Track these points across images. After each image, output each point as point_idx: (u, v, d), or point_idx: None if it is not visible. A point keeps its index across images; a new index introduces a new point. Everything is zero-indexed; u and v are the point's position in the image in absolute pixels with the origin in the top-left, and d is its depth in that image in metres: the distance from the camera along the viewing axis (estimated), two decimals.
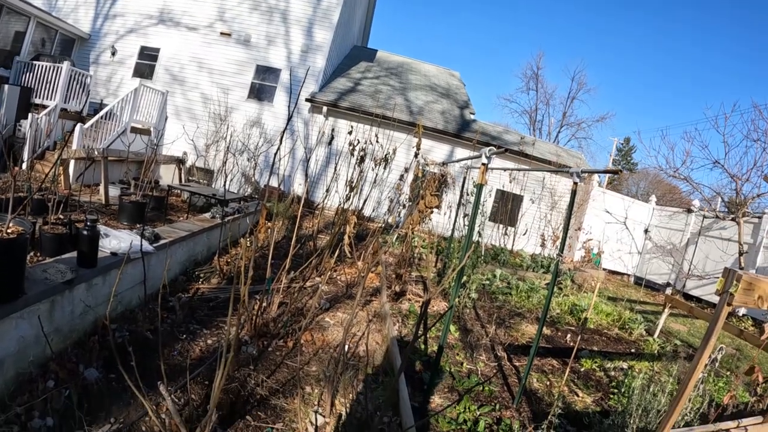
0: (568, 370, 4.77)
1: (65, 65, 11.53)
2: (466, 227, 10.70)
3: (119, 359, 2.76)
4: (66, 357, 3.59)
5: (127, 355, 3.67)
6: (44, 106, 11.13)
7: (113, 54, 15.13)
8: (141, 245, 3.11)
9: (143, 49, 15.14)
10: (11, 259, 2.93)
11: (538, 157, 14.64)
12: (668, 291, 13.34)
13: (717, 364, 4.68)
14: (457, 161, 7.94)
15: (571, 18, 71.72)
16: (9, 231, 2.96)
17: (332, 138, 9.83)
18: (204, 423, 2.85)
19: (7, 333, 3.00)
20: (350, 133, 8.64)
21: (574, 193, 4.23)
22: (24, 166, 9.08)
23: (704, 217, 13.26)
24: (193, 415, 3.16)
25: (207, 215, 7.95)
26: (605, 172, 4.11)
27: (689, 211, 14.01)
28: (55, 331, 3.53)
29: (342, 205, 7.82)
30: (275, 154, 4.23)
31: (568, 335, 6.80)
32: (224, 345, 2.95)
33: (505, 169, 7.77)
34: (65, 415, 3.01)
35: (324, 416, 3.53)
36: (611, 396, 4.95)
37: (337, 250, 6.63)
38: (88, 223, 3.85)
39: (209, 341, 4.54)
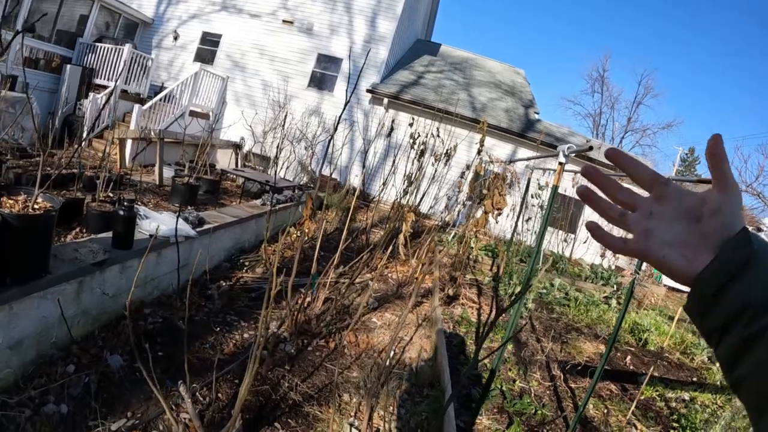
0: (633, 404, 4.27)
1: (126, 47, 11.64)
2: (528, 231, 10.21)
3: (148, 347, 2.51)
4: (92, 341, 3.40)
5: (155, 344, 3.46)
6: (105, 87, 11.28)
7: (175, 39, 15.27)
8: (176, 229, 2.84)
9: (205, 34, 15.22)
10: (34, 237, 2.73)
11: (604, 162, 13.85)
12: None
13: None
14: (526, 159, 7.44)
15: (640, 16, 68.60)
16: (36, 206, 2.75)
17: (392, 130, 9.48)
18: (227, 428, 2.57)
19: (27, 312, 2.81)
20: (411, 125, 8.30)
21: None
22: (82, 143, 9.16)
23: None
24: (216, 417, 2.89)
25: (258, 202, 7.77)
26: (698, 182, 3.55)
27: (758, 230, 12.96)
28: (82, 314, 3.33)
29: (399, 200, 7.48)
30: (330, 143, 3.95)
31: (628, 357, 6.21)
32: (256, 342, 2.66)
33: (576, 172, 7.22)
34: (81, 403, 2.80)
35: (359, 430, 3.18)
36: (672, 430, 4.42)
37: (390, 246, 6.28)
38: (125, 204, 3.65)
39: (245, 335, 4.28)
